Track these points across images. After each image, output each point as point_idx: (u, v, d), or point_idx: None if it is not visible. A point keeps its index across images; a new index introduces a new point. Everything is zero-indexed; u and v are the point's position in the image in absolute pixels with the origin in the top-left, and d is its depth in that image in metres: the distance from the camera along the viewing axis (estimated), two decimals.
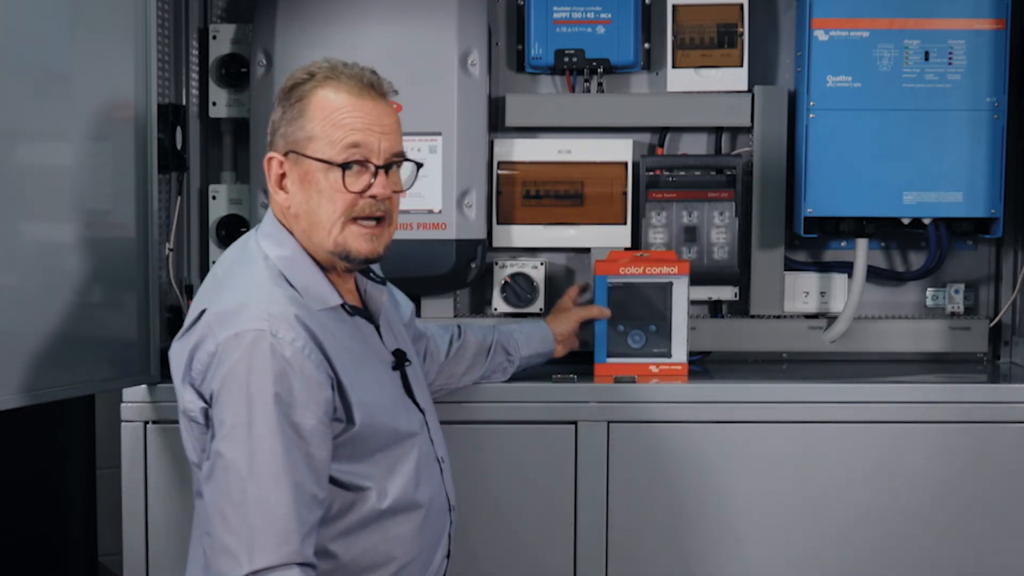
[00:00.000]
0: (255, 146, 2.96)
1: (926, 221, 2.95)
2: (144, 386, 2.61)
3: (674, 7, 3.03)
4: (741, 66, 3.03)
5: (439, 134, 2.90)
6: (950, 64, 2.87)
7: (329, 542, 1.91)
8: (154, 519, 2.63)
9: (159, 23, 2.80)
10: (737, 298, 3.10)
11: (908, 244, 3.15)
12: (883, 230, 3.04)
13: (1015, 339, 3.11)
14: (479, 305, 3.15)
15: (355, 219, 1.93)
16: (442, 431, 2.18)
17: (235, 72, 3.05)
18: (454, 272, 2.93)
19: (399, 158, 1.98)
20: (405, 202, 2.92)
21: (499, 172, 3.07)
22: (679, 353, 2.81)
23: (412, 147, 2.90)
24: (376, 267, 2.18)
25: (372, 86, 1.95)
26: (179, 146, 2.97)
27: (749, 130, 3.08)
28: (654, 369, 2.80)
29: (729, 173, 3.02)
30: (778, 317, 3.10)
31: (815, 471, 2.68)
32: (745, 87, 3.04)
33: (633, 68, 3.07)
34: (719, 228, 3.03)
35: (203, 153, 3.15)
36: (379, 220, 1.96)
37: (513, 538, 2.67)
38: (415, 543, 1.97)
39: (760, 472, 2.68)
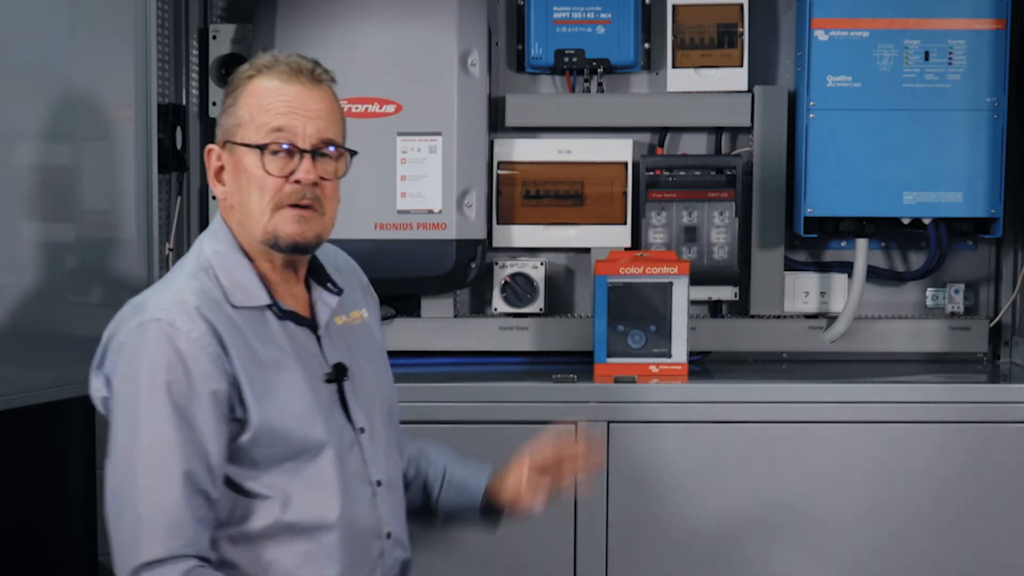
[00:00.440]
0: None
1: (926, 221, 2.95)
2: None
3: (674, 7, 3.03)
4: (741, 66, 3.03)
5: (439, 134, 2.90)
6: (950, 64, 2.87)
7: (228, 549, 1.84)
8: None
9: (159, 23, 2.80)
10: (737, 298, 3.10)
11: (908, 244, 3.15)
12: (883, 230, 3.04)
13: (1015, 339, 3.11)
14: (479, 305, 3.15)
15: (284, 206, 1.85)
16: (397, 455, 2.02)
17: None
18: (454, 272, 2.93)
19: (329, 144, 1.87)
20: (405, 202, 2.97)
21: (499, 172, 3.07)
22: (679, 353, 2.81)
23: (412, 147, 2.91)
24: (339, 276, 2.02)
25: (302, 71, 1.89)
26: (179, 146, 2.97)
27: (749, 130, 3.08)
28: (654, 369, 2.80)
29: (729, 173, 3.02)
30: (778, 317, 3.10)
31: (815, 471, 2.68)
32: (745, 87, 3.04)
33: (633, 68, 3.07)
34: (719, 228, 3.03)
35: (203, 153, 3.14)
36: (308, 208, 1.86)
37: (513, 538, 2.66)
38: (327, 565, 1.86)
39: (760, 472, 2.68)
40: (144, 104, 2.60)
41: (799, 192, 2.94)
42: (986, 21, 2.87)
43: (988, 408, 2.70)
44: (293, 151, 1.84)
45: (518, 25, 3.11)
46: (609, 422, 2.67)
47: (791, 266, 3.11)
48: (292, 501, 1.84)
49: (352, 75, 2.86)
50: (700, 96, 3.05)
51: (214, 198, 2.86)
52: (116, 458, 1.79)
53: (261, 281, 1.89)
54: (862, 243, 2.98)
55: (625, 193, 3.06)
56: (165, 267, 2.96)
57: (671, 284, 2.80)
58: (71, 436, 3.21)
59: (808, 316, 3.11)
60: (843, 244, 3.12)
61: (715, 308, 3.15)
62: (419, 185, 2.90)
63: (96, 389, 1.87)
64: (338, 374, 1.90)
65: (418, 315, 3.06)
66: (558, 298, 3.16)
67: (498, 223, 3.07)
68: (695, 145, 3.14)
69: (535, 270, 3.07)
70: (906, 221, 2.95)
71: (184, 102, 3.07)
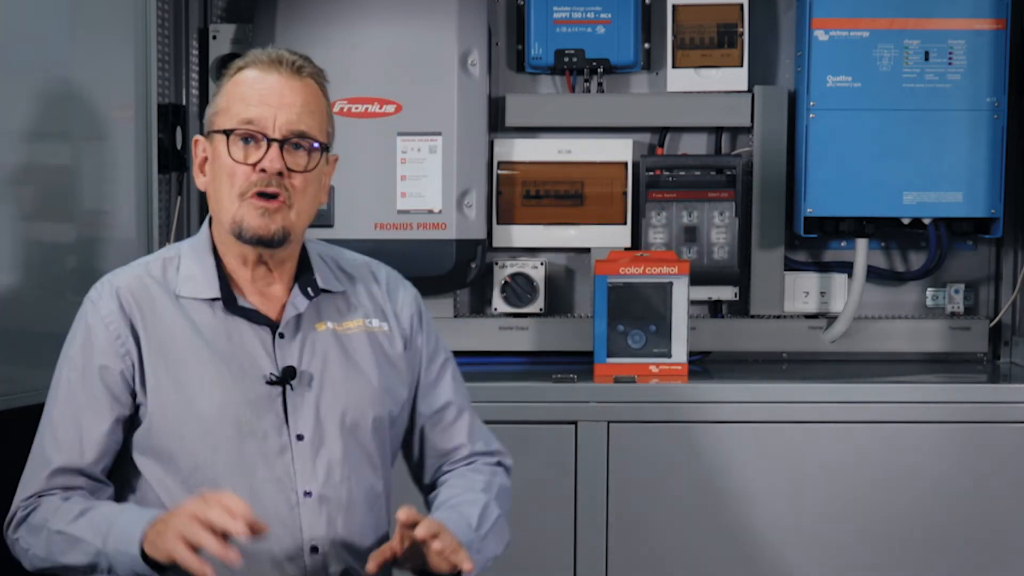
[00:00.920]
0: None
1: (926, 221, 2.95)
2: None
3: (674, 7, 3.03)
4: (741, 66, 3.03)
5: (439, 134, 2.90)
6: (950, 64, 2.87)
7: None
8: None
9: (159, 23, 2.80)
10: (737, 298, 3.09)
11: (908, 244, 3.15)
12: (883, 230, 3.04)
13: (1015, 339, 3.11)
14: (479, 305, 3.15)
15: (251, 195, 1.83)
16: (367, 470, 1.91)
17: None
18: (454, 272, 2.93)
19: (300, 137, 1.83)
20: (405, 202, 2.97)
21: (499, 172, 3.07)
22: (679, 353, 2.81)
23: (412, 147, 2.91)
24: (334, 280, 1.97)
25: (282, 62, 1.87)
26: (179, 146, 2.97)
27: (749, 130, 3.08)
28: (654, 369, 2.80)
29: (729, 173, 3.02)
30: (778, 317, 3.10)
31: (815, 471, 2.68)
32: (745, 87, 3.04)
33: (633, 68, 3.07)
34: (719, 228, 3.03)
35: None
36: (274, 198, 1.83)
37: (513, 538, 2.66)
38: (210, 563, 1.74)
39: (760, 472, 2.68)
40: (144, 104, 2.60)
41: (799, 192, 2.94)
42: (986, 21, 2.87)
43: (988, 408, 2.70)
44: (260, 139, 1.82)
45: (518, 25, 3.11)
46: (609, 422, 2.67)
47: (791, 266, 3.11)
48: (171, 497, 1.82)
49: (352, 75, 2.87)
50: (700, 96, 3.05)
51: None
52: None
53: (220, 276, 1.88)
54: (862, 243, 2.98)
55: (625, 193, 3.06)
56: None
57: (671, 284, 2.80)
58: None
59: (808, 316, 3.11)
60: (843, 244, 3.12)
61: (715, 308, 3.15)
62: (419, 185, 2.90)
63: None
64: (283, 377, 1.85)
65: None
66: (558, 298, 3.16)
67: (498, 223, 3.07)
68: (695, 145, 3.14)
69: (535, 270, 3.07)
70: (906, 221, 2.96)
71: (184, 102, 3.07)
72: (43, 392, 1.92)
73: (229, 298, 1.87)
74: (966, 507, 2.69)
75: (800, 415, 2.69)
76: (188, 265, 1.90)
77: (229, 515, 1.64)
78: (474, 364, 3.03)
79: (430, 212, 2.91)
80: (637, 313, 2.81)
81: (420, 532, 1.73)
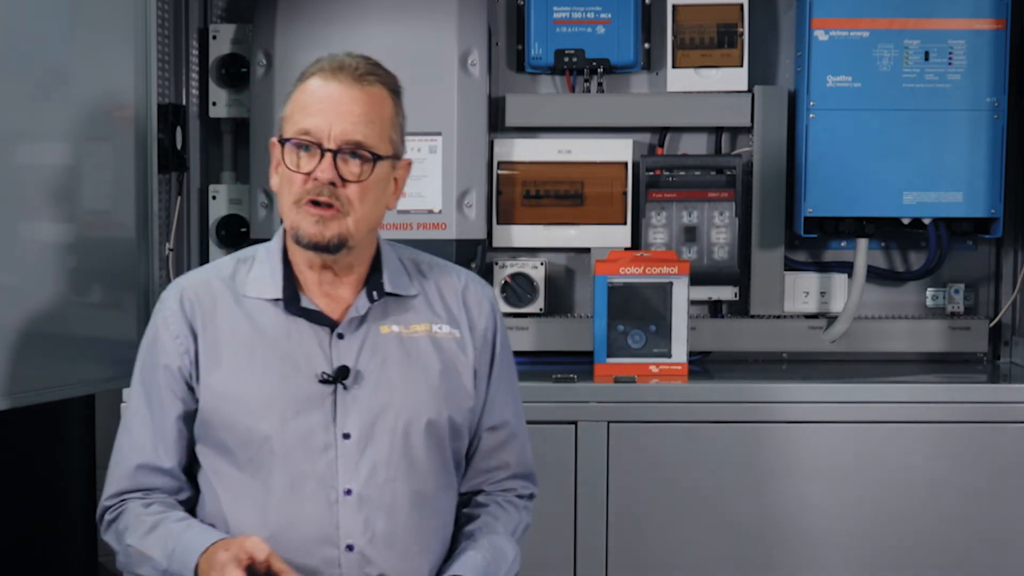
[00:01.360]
0: (255, 146, 2.96)
1: (926, 221, 2.96)
2: None
3: (674, 7, 3.04)
4: (741, 66, 3.03)
5: (439, 134, 2.90)
6: (950, 64, 2.87)
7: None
8: None
9: (159, 23, 2.80)
10: (737, 298, 3.10)
11: (908, 244, 3.15)
12: (883, 230, 3.04)
13: (1015, 339, 3.11)
14: None
15: (305, 202, 1.85)
16: (416, 476, 1.91)
17: (235, 72, 3.05)
18: None
19: (355, 147, 1.84)
20: (405, 202, 2.95)
21: (499, 172, 3.07)
22: (679, 353, 2.81)
23: (412, 147, 2.90)
24: (406, 283, 1.98)
25: (344, 69, 1.88)
26: (179, 146, 2.97)
27: (749, 130, 3.08)
28: (654, 369, 2.80)
29: (729, 173, 3.02)
30: (778, 317, 3.10)
31: (815, 471, 2.68)
32: (745, 87, 3.04)
33: (633, 68, 3.07)
34: (719, 228, 3.03)
35: (203, 153, 3.15)
36: (328, 208, 1.85)
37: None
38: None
39: (760, 472, 2.68)
40: (144, 104, 2.60)
41: (799, 192, 2.94)
42: (986, 21, 2.87)
43: (988, 408, 2.70)
44: (315, 148, 1.84)
45: (518, 25, 3.12)
46: (609, 422, 2.67)
47: (791, 266, 3.11)
48: (228, 487, 1.89)
49: None
50: (700, 96, 3.05)
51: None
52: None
53: (287, 277, 1.92)
54: (862, 243, 2.98)
55: (625, 193, 3.06)
56: (165, 267, 2.96)
57: (671, 284, 2.80)
58: (71, 436, 3.21)
59: (808, 316, 3.11)
60: (843, 244, 3.12)
61: (715, 308, 3.15)
62: (419, 185, 2.90)
63: None
64: (336, 376, 1.88)
65: None
66: (558, 298, 3.17)
67: (498, 223, 3.07)
68: (695, 145, 3.14)
69: (535, 270, 3.07)
70: (906, 221, 2.96)
71: (184, 102, 3.07)
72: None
73: (291, 298, 1.91)
74: (966, 507, 2.69)
75: (800, 415, 2.69)
76: (259, 267, 1.96)
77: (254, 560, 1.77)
78: None
79: (430, 212, 2.91)
80: (637, 313, 2.81)
81: None
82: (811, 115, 2.91)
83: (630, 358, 2.81)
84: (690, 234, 3.03)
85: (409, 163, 1.97)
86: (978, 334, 3.10)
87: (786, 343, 3.10)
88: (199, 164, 3.14)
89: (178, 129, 2.96)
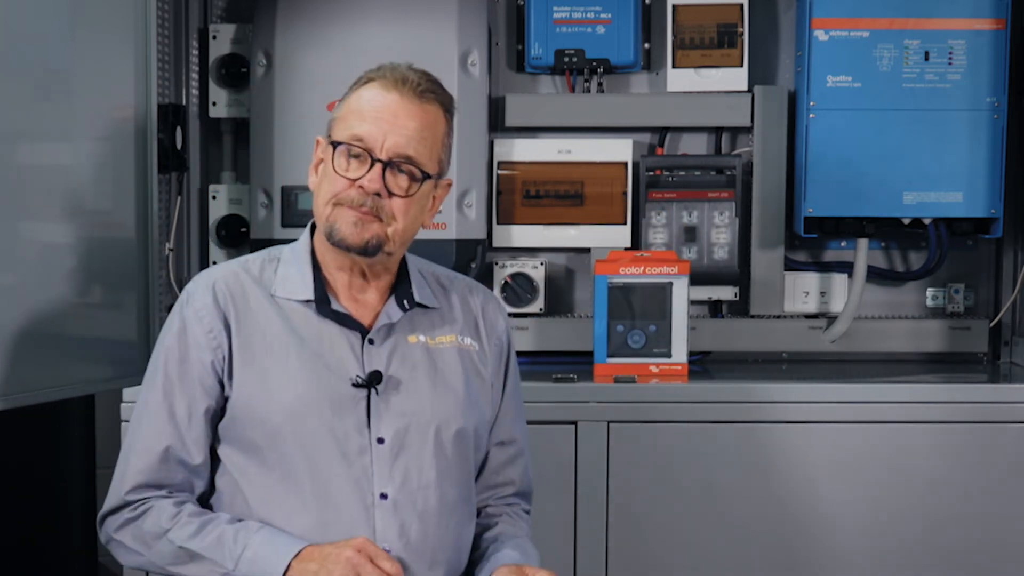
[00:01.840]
0: (255, 146, 2.96)
1: (926, 221, 2.96)
2: None
3: (674, 7, 3.04)
4: (741, 66, 3.03)
5: None
6: (950, 64, 2.88)
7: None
8: None
9: (159, 23, 2.80)
10: (737, 298, 3.10)
11: (908, 244, 3.15)
12: (883, 230, 3.04)
13: (1015, 339, 3.11)
14: None
15: (345, 206, 1.86)
16: (447, 484, 1.92)
17: (235, 72, 3.05)
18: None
19: (405, 161, 1.85)
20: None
21: (499, 172, 3.07)
22: (679, 353, 2.81)
23: None
24: (431, 295, 2.00)
25: (406, 82, 1.89)
26: (179, 146, 2.97)
27: (749, 130, 3.09)
28: (654, 369, 2.80)
29: (729, 173, 3.02)
30: (778, 317, 3.10)
31: (815, 471, 2.68)
32: (745, 87, 3.04)
33: (633, 68, 3.07)
34: (719, 228, 3.03)
35: (203, 153, 3.15)
36: (369, 215, 1.86)
37: None
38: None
39: (759, 472, 2.68)
40: (144, 104, 2.60)
41: (799, 192, 2.94)
42: (986, 21, 2.87)
43: (988, 408, 2.70)
44: (366, 157, 1.84)
45: (518, 25, 3.12)
46: (609, 422, 2.67)
47: (791, 266, 3.11)
48: (253, 488, 1.86)
49: (352, 75, 2.83)
50: (700, 96, 3.05)
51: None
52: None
53: (317, 279, 1.92)
54: (862, 243, 2.99)
55: (625, 193, 3.06)
56: (165, 267, 2.96)
57: (671, 284, 2.80)
58: (71, 436, 3.21)
59: (808, 316, 3.11)
60: (843, 244, 3.12)
61: (715, 308, 3.15)
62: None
63: None
64: (369, 381, 1.88)
65: None
66: (558, 298, 3.17)
67: (498, 223, 3.07)
68: (695, 145, 3.14)
69: (535, 270, 3.07)
70: (906, 221, 2.96)
71: (184, 102, 3.07)
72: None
73: (323, 300, 1.91)
74: (966, 507, 2.69)
75: (800, 415, 2.69)
76: (286, 267, 1.94)
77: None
78: None
79: None
80: (637, 313, 2.81)
81: None
82: (811, 115, 2.91)
83: (630, 358, 2.81)
84: (690, 234, 3.03)
85: (450, 183, 1.98)
86: (978, 334, 3.10)
87: (786, 343, 3.10)
88: (199, 164, 3.14)
89: (178, 129, 2.96)
